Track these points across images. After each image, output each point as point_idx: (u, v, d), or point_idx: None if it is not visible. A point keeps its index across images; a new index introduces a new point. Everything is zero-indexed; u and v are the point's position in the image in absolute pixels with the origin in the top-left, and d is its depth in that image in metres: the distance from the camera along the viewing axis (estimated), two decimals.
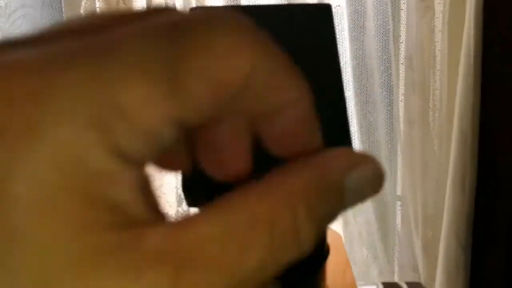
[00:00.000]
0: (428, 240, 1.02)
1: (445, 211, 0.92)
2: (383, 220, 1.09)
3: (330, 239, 0.30)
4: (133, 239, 0.10)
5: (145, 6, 0.90)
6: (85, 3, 0.89)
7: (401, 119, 0.99)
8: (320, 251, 0.28)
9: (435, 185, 0.98)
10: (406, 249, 1.10)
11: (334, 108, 0.24)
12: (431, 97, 0.92)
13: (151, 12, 0.12)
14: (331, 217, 0.13)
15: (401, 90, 0.97)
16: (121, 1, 0.86)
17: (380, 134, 0.99)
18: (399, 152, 1.03)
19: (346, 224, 1.08)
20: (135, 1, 0.91)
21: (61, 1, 0.90)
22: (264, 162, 0.13)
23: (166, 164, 0.15)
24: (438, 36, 0.89)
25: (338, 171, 0.13)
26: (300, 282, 0.26)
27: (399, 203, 1.10)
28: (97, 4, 0.90)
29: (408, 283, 0.26)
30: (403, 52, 0.96)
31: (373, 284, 1.07)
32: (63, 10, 0.89)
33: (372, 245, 1.09)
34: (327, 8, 0.26)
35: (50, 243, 0.10)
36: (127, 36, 0.11)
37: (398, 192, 1.09)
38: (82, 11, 0.90)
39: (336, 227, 1.07)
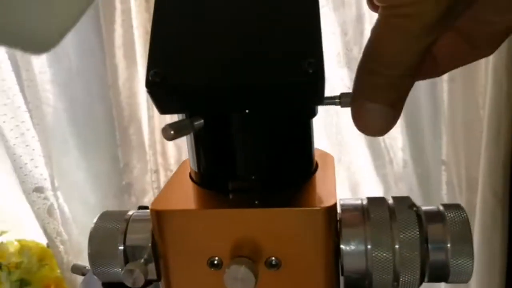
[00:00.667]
0: (472, 205, 0.97)
1: (481, 165, 0.88)
2: (427, 186, 1.05)
3: (321, 159, 0.29)
4: None
5: None
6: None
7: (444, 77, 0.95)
8: (306, 166, 0.27)
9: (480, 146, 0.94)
10: None
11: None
12: None
13: None
14: None
15: None
16: None
17: (420, 91, 0.96)
18: (442, 113, 0.99)
19: (387, 191, 1.05)
20: None
21: (99, 17, 0.92)
22: None
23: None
24: None
25: None
26: (293, 192, 0.25)
27: (443, 167, 1.06)
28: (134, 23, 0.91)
29: (394, 198, 0.25)
30: None
31: None
32: (102, 24, 0.91)
33: None
34: None
35: None
36: None
37: (443, 157, 1.05)
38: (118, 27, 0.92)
39: (377, 193, 1.04)
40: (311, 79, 0.21)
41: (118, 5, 0.93)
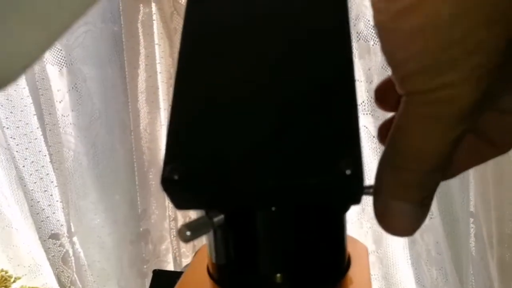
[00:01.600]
0: (505, 261, 0.93)
1: None
2: (454, 238, 1.01)
3: (353, 250, 0.26)
4: None
5: None
6: (142, 17, 0.91)
7: None
8: (339, 263, 0.25)
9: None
10: (480, 270, 1.01)
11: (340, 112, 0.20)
12: None
13: None
14: None
15: None
16: (175, 12, 0.88)
17: None
18: None
19: (412, 243, 1.01)
20: None
21: (120, 17, 0.92)
22: None
23: None
24: None
25: None
26: None
27: (471, 219, 1.02)
28: (154, 17, 0.91)
29: None
30: None
31: None
32: (122, 25, 0.92)
33: (442, 266, 1.01)
34: None
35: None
36: None
37: (471, 208, 1.01)
38: (139, 25, 0.92)
39: (400, 246, 1.00)
40: (348, 181, 0.19)
41: (142, 50, 0.93)
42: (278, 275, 0.23)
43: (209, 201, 0.21)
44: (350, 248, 0.26)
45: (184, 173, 0.20)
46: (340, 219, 0.24)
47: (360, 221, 0.97)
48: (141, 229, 0.96)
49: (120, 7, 0.90)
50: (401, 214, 0.21)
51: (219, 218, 0.21)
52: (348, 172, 0.19)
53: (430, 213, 0.99)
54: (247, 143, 0.20)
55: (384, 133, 0.24)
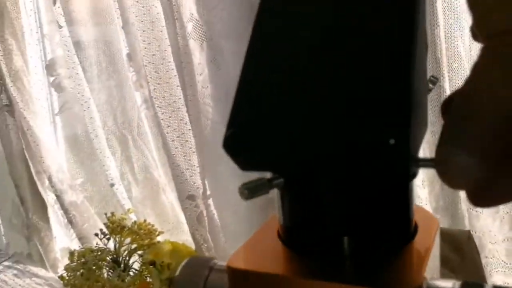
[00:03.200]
0: None
1: None
2: None
3: (423, 222, 0.26)
4: None
5: None
6: None
7: None
8: (402, 230, 0.25)
9: None
10: None
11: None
12: None
13: None
14: None
15: None
16: None
17: None
18: None
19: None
20: None
21: None
22: None
23: None
24: None
25: None
26: (380, 262, 0.23)
27: None
28: None
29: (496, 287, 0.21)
30: None
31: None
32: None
33: None
34: None
35: None
36: None
37: None
38: None
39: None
40: (392, 152, 0.20)
41: None
42: (343, 237, 0.24)
43: (266, 164, 0.23)
44: (420, 220, 0.26)
45: (242, 137, 0.22)
46: (403, 187, 0.24)
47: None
48: (269, 195, 1.01)
49: None
50: (464, 166, 0.19)
51: (278, 181, 0.23)
52: (392, 142, 0.19)
53: None
54: (303, 113, 0.21)
55: (447, 110, 0.23)
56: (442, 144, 0.20)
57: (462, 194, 0.91)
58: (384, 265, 0.23)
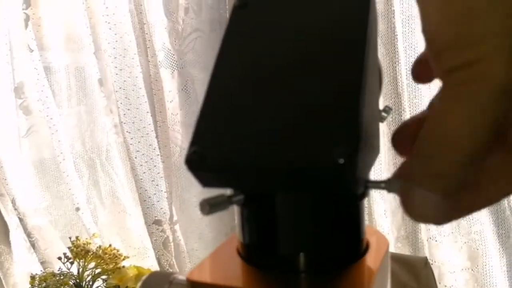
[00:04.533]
0: None
1: None
2: None
3: (374, 241, 0.28)
4: None
5: None
6: None
7: None
8: (356, 246, 0.27)
9: None
10: None
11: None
12: None
13: None
14: None
15: None
16: None
17: None
18: None
19: (510, 264, 0.95)
20: None
21: (226, 23, 0.99)
22: None
23: None
24: None
25: None
26: (332, 276, 0.25)
27: None
28: None
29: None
30: None
31: None
32: None
33: None
34: None
35: None
36: None
37: None
38: None
39: (498, 266, 0.95)
40: (341, 170, 0.21)
41: None
42: (296, 254, 0.26)
43: (225, 181, 0.24)
44: (371, 239, 0.28)
45: (202, 155, 0.24)
46: (353, 207, 0.26)
47: (454, 235, 0.94)
48: (235, 221, 1.02)
49: (227, 16, 0.97)
50: (426, 203, 0.21)
51: (237, 198, 0.25)
52: (341, 161, 0.21)
53: None
54: (259, 134, 0.23)
55: (399, 137, 0.26)
56: (405, 181, 0.22)
57: (422, 224, 0.94)
58: (336, 279, 0.25)
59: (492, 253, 0.94)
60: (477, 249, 0.94)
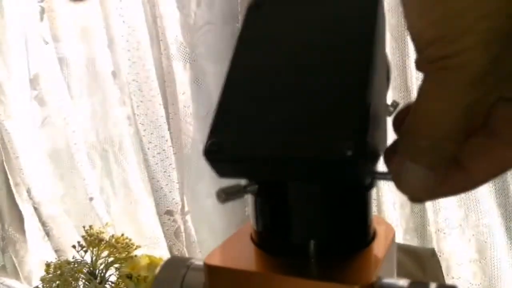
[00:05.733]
0: None
1: None
2: None
3: (380, 230, 0.29)
4: None
5: None
6: None
7: None
8: (363, 234, 0.28)
9: None
10: None
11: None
12: None
13: None
14: None
15: None
16: None
17: None
18: None
19: None
20: None
21: (238, 18, 1.00)
22: None
23: None
24: None
25: None
26: (340, 262, 0.27)
27: None
28: None
29: (440, 286, 0.24)
30: None
31: None
32: (239, 25, 0.99)
33: None
34: None
35: None
36: None
37: None
38: None
39: (505, 258, 0.95)
40: (349, 162, 0.23)
41: None
42: (308, 240, 0.27)
43: (240, 172, 0.26)
44: (379, 228, 0.30)
45: (220, 146, 0.25)
46: (362, 196, 0.27)
47: (462, 227, 0.95)
48: (246, 213, 1.04)
49: (239, 9, 0.98)
50: (413, 174, 0.23)
51: (252, 187, 0.26)
52: (349, 153, 0.23)
53: None
54: (274, 127, 0.25)
55: (395, 122, 0.27)
56: (396, 156, 0.24)
57: (431, 216, 0.95)
58: (344, 265, 0.27)
59: (500, 245, 0.94)
60: (485, 242, 0.94)
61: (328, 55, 0.26)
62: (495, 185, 0.92)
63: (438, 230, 0.96)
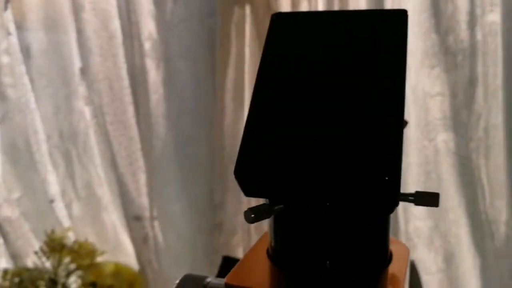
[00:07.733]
0: None
1: None
2: None
3: (396, 250, 0.28)
4: None
5: None
6: (236, 18, 0.96)
7: None
8: (382, 256, 0.27)
9: None
10: None
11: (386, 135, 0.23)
12: None
13: None
14: None
15: None
16: (267, 15, 0.91)
17: None
18: None
19: (484, 266, 0.98)
20: None
21: (216, 15, 0.97)
22: None
23: None
24: None
25: None
26: (359, 286, 0.25)
27: None
28: (247, 20, 0.96)
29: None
30: None
31: None
32: (217, 23, 0.97)
33: None
34: (402, 14, 0.25)
35: None
36: None
37: None
38: (233, 25, 0.97)
39: (471, 268, 0.97)
40: (385, 187, 0.22)
41: (233, 49, 0.97)
42: (327, 262, 0.25)
43: (270, 192, 0.24)
44: (393, 248, 0.28)
45: (252, 166, 0.23)
46: (384, 221, 0.26)
47: (431, 237, 0.95)
48: (216, 220, 1.01)
49: (217, 7, 0.96)
50: None
51: (279, 207, 0.24)
52: (385, 179, 0.21)
53: (507, 238, 0.95)
54: (306, 149, 0.23)
55: None
56: None
57: (402, 226, 0.96)
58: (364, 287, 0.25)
59: (466, 255, 0.96)
60: (453, 252, 0.96)
61: (359, 79, 0.25)
62: (465, 196, 0.94)
63: (408, 239, 0.97)
